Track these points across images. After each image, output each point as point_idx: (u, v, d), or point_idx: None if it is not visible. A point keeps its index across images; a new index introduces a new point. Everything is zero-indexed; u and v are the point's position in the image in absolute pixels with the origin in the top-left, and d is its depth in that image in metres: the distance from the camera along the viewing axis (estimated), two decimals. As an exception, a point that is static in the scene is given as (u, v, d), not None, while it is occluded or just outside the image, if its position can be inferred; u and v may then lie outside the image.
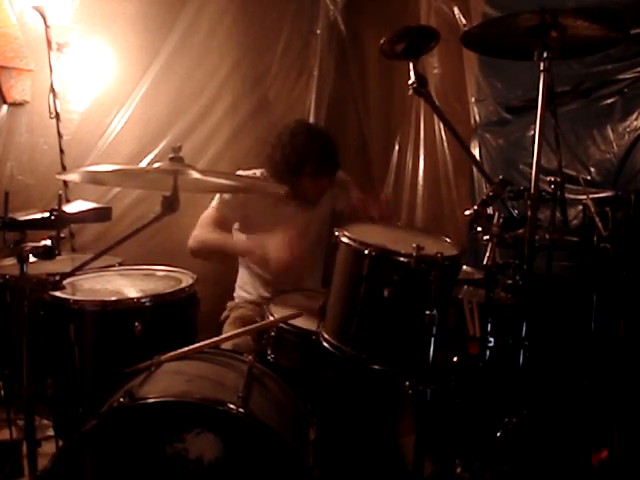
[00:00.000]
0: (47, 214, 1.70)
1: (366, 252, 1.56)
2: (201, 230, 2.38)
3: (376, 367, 1.62)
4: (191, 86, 3.14)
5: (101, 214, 1.90)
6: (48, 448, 1.99)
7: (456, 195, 3.11)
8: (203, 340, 1.75)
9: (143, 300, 1.87)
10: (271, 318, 1.92)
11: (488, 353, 1.77)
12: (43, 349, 1.82)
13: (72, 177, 1.75)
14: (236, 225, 2.51)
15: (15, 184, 2.73)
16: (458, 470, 1.82)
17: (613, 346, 2.03)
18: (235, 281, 2.62)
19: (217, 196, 2.42)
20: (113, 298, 1.89)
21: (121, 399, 1.37)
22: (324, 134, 2.48)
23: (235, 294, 2.60)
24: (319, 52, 3.52)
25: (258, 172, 2.50)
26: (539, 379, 1.90)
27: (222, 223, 2.41)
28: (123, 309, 1.86)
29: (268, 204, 2.41)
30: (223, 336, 1.88)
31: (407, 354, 1.58)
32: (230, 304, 2.53)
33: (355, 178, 2.63)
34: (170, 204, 1.56)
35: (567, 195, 2.19)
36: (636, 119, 2.33)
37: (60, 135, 2.83)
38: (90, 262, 1.63)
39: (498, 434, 1.65)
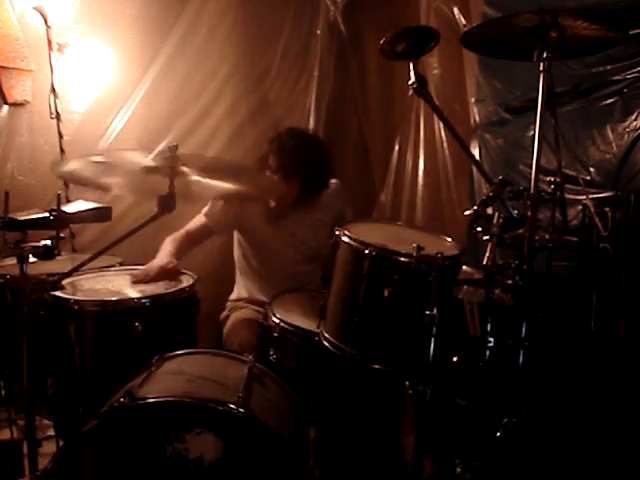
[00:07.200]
0: (47, 214, 1.71)
1: (366, 252, 1.56)
2: (175, 233, 2.37)
3: (376, 367, 1.62)
4: (191, 86, 3.14)
5: (101, 214, 1.90)
6: (49, 448, 1.99)
7: (456, 195, 3.10)
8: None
9: (143, 300, 1.88)
10: (274, 319, 1.92)
11: (488, 353, 1.77)
12: (43, 349, 1.82)
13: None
14: (236, 234, 2.51)
15: (16, 184, 2.72)
16: (458, 470, 1.82)
17: (613, 346, 2.03)
18: (234, 281, 2.62)
19: (209, 202, 2.41)
20: (113, 298, 1.90)
21: (121, 399, 1.37)
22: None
23: (234, 294, 2.60)
24: (319, 52, 3.51)
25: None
26: (539, 379, 1.90)
27: (205, 232, 2.42)
28: (123, 309, 1.86)
29: (258, 214, 2.39)
30: None
31: (407, 354, 1.59)
32: (229, 304, 2.53)
33: (355, 178, 2.62)
34: (167, 204, 1.56)
35: (567, 195, 2.19)
36: (635, 119, 2.33)
37: (61, 135, 2.82)
38: (89, 262, 1.62)
39: (498, 434, 1.65)
